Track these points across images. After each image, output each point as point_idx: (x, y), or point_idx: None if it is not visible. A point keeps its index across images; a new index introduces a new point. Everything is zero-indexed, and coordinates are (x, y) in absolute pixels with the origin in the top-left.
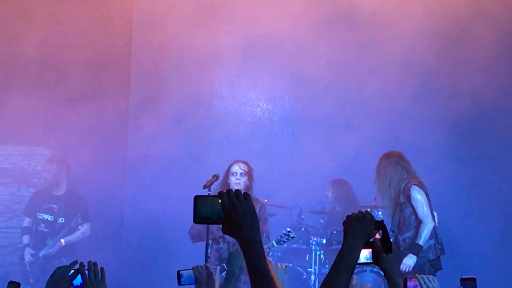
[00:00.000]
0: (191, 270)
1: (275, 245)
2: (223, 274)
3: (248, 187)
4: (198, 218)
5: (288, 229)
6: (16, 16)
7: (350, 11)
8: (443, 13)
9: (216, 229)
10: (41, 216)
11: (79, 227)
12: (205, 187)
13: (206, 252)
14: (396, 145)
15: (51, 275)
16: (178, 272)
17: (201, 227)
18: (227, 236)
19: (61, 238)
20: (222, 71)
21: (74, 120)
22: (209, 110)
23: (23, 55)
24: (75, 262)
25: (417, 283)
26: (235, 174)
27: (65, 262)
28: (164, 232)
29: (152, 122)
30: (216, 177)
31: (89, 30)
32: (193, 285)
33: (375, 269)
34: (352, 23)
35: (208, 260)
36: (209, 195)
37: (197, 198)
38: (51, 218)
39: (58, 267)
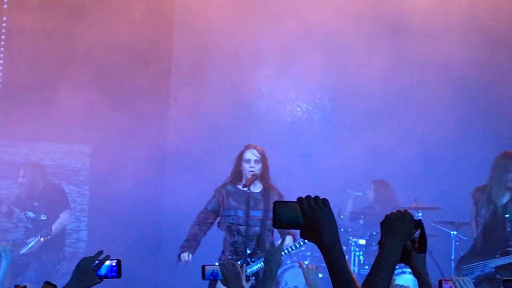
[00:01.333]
0: (217, 266)
1: (302, 244)
2: (247, 270)
3: (263, 174)
4: (278, 223)
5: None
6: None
7: (395, 16)
8: (488, 24)
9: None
10: (27, 214)
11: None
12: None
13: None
14: (438, 148)
15: (77, 266)
16: (203, 266)
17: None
18: (242, 229)
19: (40, 237)
20: (263, 70)
21: (115, 118)
22: (249, 110)
23: (69, 53)
24: (100, 253)
25: (452, 285)
26: (248, 161)
27: (45, 259)
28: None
29: (192, 120)
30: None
31: (131, 30)
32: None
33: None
34: (396, 28)
35: (222, 254)
36: (288, 201)
37: (277, 203)
38: (33, 215)
39: (83, 258)
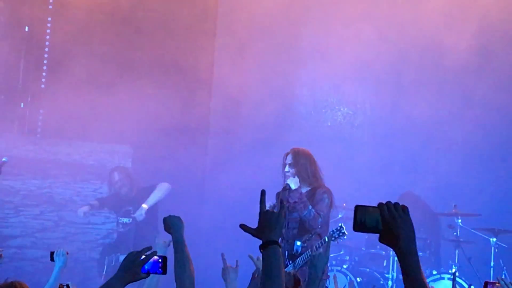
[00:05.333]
0: None
1: (327, 239)
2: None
3: (301, 175)
4: (358, 226)
5: (340, 224)
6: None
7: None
8: None
9: None
10: (121, 220)
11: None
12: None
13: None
14: (478, 154)
15: (124, 259)
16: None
17: None
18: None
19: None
20: (304, 73)
21: (157, 120)
22: (290, 112)
23: (116, 58)
24: (148, 248)
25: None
26: (284, 165)
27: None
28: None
29: (233, 122)
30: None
31: (173, 32)
32: None
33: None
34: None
35: None
36: (369, 205)
37: (357, 208)
38: (129, 220)
39: (130, 252)
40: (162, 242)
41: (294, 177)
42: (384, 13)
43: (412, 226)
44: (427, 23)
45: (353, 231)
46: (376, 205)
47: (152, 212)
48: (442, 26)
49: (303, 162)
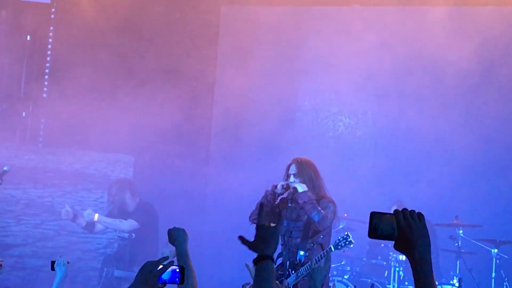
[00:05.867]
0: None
1: (333, 249)
2: (288, 280)
3: (307, 184)
4: (373, 233)
5: (346, 233)
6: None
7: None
8: None
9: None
10: (120, 234)
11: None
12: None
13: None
14: (479, 166)
15: (140, 269)
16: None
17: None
18: (285, 239)
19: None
20: (306, 83)
21: (158, 128)
22: (292, 122)
23: (116, 66)
24: (165, 258)
25: None
26: (289, 176)
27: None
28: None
29: (235, 131)
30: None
31: (175, 41)
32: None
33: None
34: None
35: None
36: (385, 212)
37: (373, 214)
38: (126, 235)
39: (147, 262)
40: (168, 252)
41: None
42: (386, 24)
43: (428, 234)
44: (429, 34)
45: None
46: (392, 212)
47: (152, 228)
48: (444, 38)
49: (308, 172)
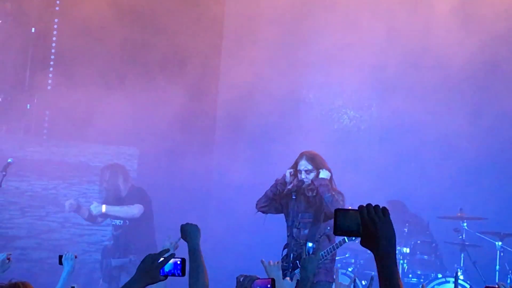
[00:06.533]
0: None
1: (347, 240)
2: (296, 272)
3: (318, 173)
4: (339, 230)
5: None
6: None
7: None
8: None
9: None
10: (113, 222)
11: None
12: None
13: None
14: (483, 158)
15: (142, 261)
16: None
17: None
18: (294, 231)
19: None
20: (310, 76)
21: (163, 119)
22: (296, 115)
23: (122, 57)
24: (166, 251)
25: None
26: (300, 172)
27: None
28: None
29: (239, 122)
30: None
31: (180, 29)
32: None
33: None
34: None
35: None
36: (349, 209)
37: (338, 211)
38: (120, 222)
39: (148, 255)
40: (169, 244)
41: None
42: (392, 17)
43: (392, 228)
44: (435, 28)
45: None
46: (356, 208)
47: (146, 214)
48: (450, 32)
49: (322, 163)
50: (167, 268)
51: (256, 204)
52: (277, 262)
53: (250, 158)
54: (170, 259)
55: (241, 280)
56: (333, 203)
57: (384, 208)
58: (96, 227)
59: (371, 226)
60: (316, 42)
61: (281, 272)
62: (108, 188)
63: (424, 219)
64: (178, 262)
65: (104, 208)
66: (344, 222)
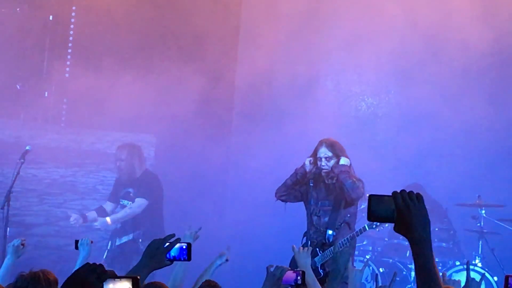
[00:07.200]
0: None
1: (367, 228)
2: (315, 259)
3: (338, 161)
4: (372, 216)
5: None
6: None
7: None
8: None
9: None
10: (121, 201)
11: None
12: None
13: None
14: (502, 144)
15: (147, 247)
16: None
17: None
18: (314, 219)
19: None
20: (328, 64)
21: (180, 107)
22: (314, 103)
23: (137, 46)
24: (172, 236)
25: None
26: (320, 159)
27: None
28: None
29: (257, 111)
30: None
31: (198, 17)
32: None
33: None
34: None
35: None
36: (383, 195)
37: (371, 197)
38: (128, 203)
39: (154, 240)
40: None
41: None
42: (412, 3)
43: (427, 214)
44: (455, 14)
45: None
46: (390, 194)
47: (157, 198)
48: (470, 19)
49: (341, 150)
50: (173, 252)
51: (276, 193)
52: (307, 249)
53: (267, 144)
54: (176, 244)
55: (271, 270)
56: (355, 190)
57: (418, 194)
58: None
59: (406, 212)
60: (335, 28)
61: (309, 259)
62: (123, 167)
63: (442, 206)
64: (184, 247)
65: (109, 221)
66: (378, 208)
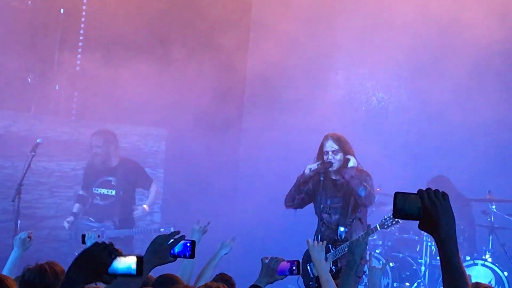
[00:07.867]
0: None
1: (379, 228)
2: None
3: (346, 161)
4: (398, 213)
5: None
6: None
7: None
8: None
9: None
10: (96, 190)
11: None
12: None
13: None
14: None
15: (151, 243)
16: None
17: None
18: (324, 217)
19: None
20: (339, 58)
21: (191, 101)
22: (324, 97)
23: (147, 40)
24: (177, 232)
25: None
26: (326, 153)
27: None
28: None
29: (268, 106)
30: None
31: (209, 11)
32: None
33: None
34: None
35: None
36: (409, 193)
37: (397, 194)
38: (110, 192)
39: (158, 236)
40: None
41: (339, 164)
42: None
43: (453, 213)
44: (468, 9)
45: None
46: (415, 192)
47: (131, 185)
48: (484, 14)
49: (345, 147)
50: (177, 249)
51: (284, 203)
52: (321, 243)
53: (278, 137)
54: (180, 241)
55: (266, 261)
56: (367, 198)
57: (443, 192)
58: None
59: (432, 211)
60: (347, 21)
61: (324, 253)
62: (99, 154)
63: (452, 201)
64: (188, 244)
65: (147, 207)
66: (404, 205)
